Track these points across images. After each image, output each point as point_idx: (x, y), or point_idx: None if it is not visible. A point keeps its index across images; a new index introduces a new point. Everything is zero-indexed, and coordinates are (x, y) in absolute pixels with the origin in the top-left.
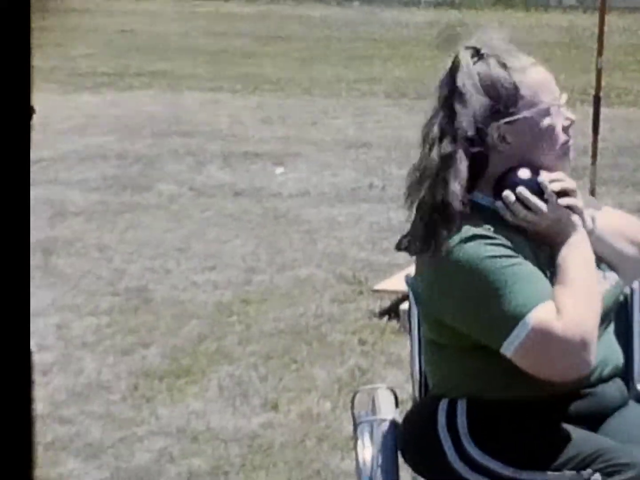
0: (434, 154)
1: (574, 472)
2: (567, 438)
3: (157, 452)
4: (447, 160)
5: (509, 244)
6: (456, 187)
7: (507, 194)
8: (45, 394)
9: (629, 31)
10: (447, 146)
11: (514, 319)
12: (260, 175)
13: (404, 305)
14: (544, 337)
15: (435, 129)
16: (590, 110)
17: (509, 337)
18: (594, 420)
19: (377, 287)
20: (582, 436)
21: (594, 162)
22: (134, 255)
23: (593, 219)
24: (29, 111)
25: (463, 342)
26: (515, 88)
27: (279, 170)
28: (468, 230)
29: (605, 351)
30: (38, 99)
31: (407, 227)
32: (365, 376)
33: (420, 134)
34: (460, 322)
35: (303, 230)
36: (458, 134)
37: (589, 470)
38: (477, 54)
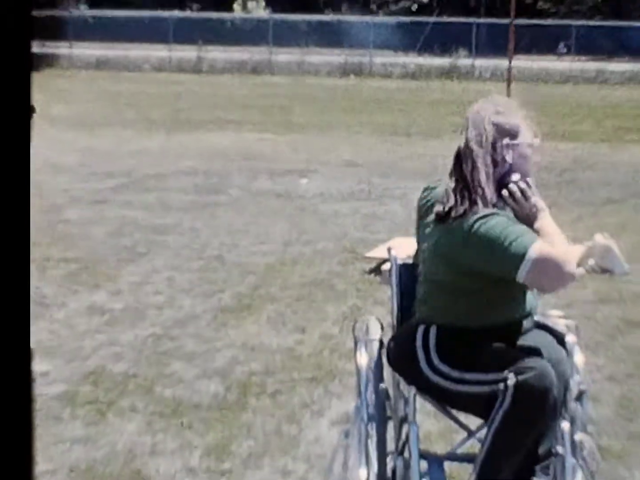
0: (479, 157)
1: (497, 372)
2: (495, 351)
3: (229, 358)
4: (486, 162)
5: (511, 216)
6: (492, 184)
7: (513, 186)
8: (158, 322)
9: (528, 96)
10: (484, 156)
11: (521, 256)
12: (292, 184)
13: (386, 266)
14: (545, 260)
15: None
16: None
17: (520, 267)
18: (516, 338)
19: (367, 254)
20: (505, 349)
21: None
22: (214, 235)
23: None
24: (29, 111)
25: (462, 284)
26: (519, 128)
27: (304, 181)
28: (488, 210)
29: (529, 296)
30: (154, 138)
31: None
32: (360, 311)
33: (474, 145)
34: (482, 264)
35: (319, 218)
36: (489, 148)
37: (506, 371)
38: (496, 105)
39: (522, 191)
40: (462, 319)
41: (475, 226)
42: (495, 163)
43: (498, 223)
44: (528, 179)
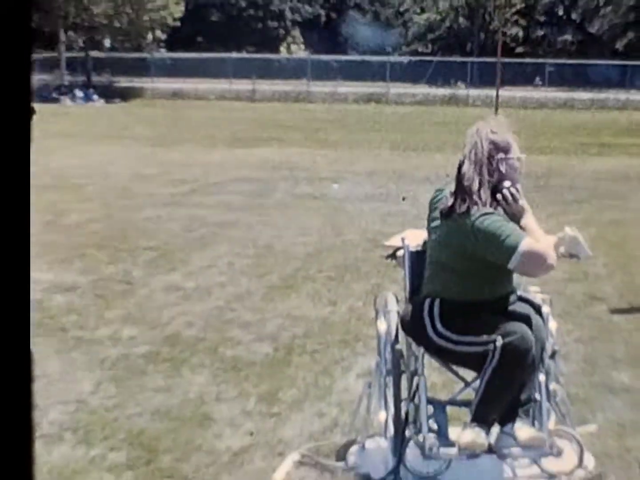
0: (474, 169)
1: (487, 335)
2: (487, 319)
3: (277, 325)
4: (481, 172)
5: (504, 215)
6: (487, 189)
7: (506, 191)
8: (221, 297)
9: (511, 119)
10: (476, 166)
11: (514, 248)
12: (326, 189)
13: (400, 252)
14: (531, 254)
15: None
16: None
17: (511, 258)
18: (504, 309)
19: (386, 243)
20: (494, 318)
21: None
22: (264, 229)
23: None
24: (29, 111)
25: (462, 266)
26: (510, 145)
27: (336, 186)
28: (487, 209)
29: (514, 278)
30: (217, 153)
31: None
32: (380, 288)
33: (467, 160)
34: (482, 251)
35: (348, 216)
36: (484, 160)
37: (494, 334)
38: (492, 126)
39: (512, 195)
40: (461, 294)
41: (479, 221)
42: (490, 173)
43: (496, 220)
44: (517, 186)
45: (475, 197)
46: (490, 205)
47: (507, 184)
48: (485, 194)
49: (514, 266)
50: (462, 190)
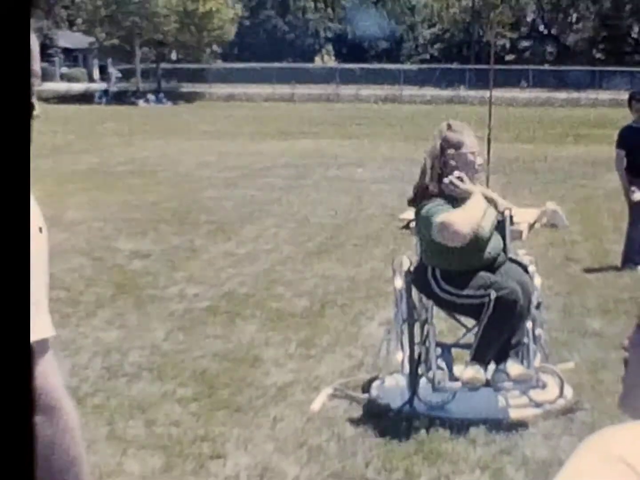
0: (428, 164)
1: (483, 290)
2: (482, 277)
3: (313, 283)
4: (433, 166)
5: (439, 203)
6: (436, 182)
7: (453, 178)
8: (267, 261)
9: (501, 114)
10: (429, 160)
11: (432, 222)
12: (352, 172)
13: (412, 224)
14: (442, 224)
15: (428, 154)
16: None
17: (432, 231)
18: (495, 269)
19: (401, 216)
20: (488, 275)
21: (487, 172)
22: (302, 204)
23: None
24: (29, 108)
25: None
26: (462, 142)
27: (360, 170)
28: (425, 200)
29: (497, 244)
30: (264, 144)
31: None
32: (397, 252)
33: (426, 157)
34: (422, 230)
35: (370, 194)
36: (437, 155)
37: (490, 290)
38: (450, 126)
39: (454, 183)
40: (453, 265)
41: (422, 211)
42: (440, 166)
43: (430, 208)
44: (462, 175)
45: (424, 190)
46: (440, 194)
47: (456, 174)
48: (432, 184)
49: (434, 236)
50: (418, 184)
